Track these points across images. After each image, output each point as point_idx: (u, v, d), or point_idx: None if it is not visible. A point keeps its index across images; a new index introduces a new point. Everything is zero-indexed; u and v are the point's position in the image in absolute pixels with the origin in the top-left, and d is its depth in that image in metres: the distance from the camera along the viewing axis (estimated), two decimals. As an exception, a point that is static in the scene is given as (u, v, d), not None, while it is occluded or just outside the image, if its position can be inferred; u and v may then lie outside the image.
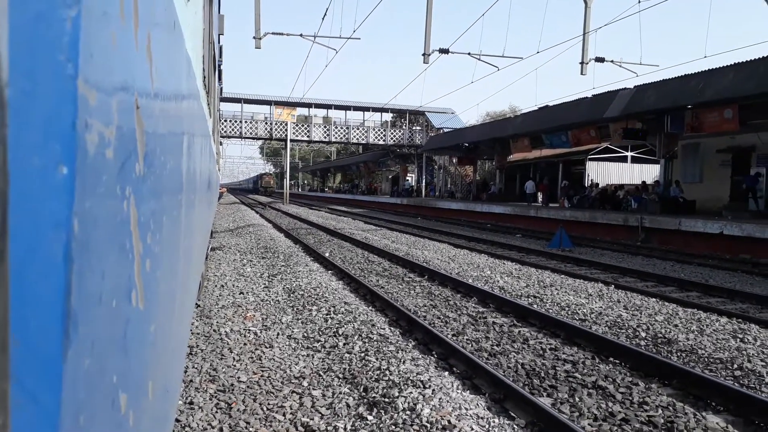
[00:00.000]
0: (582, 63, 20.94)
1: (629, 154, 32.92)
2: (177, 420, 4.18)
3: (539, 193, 30.91)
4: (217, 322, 7.00)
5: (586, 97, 23.71)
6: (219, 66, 10.39)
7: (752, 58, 16.53)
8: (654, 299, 8.83)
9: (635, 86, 20.96)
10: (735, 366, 5.64)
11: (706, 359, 5.88)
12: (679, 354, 6.09)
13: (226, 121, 43.23)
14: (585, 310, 7.90)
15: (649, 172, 31.97)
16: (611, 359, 5.86)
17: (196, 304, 7.63)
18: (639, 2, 19.91)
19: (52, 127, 0.47)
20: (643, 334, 6.75)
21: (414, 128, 48.86)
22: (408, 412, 4.25)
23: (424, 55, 19.88)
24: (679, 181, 22.28)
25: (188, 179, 2.06)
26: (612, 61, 22.37)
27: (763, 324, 7.31)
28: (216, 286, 9.48)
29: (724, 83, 16.87)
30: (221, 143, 40.31)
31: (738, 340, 6.54)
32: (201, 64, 3.13)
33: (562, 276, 11.01)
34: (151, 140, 0.97)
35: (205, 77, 3.85)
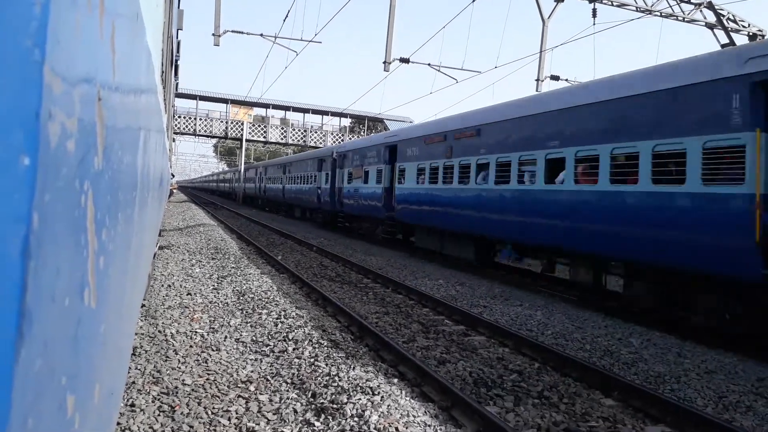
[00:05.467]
0: (538, 80, 21.38)
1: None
2: (117, 423, 4.04)
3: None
4: (162, 323, 6.82)
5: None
6: (176, 61, 10.18)
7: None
8: (598, 313, 9.07)
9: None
10: (673, 379, 5.85)
11: (646, 372, 6.07)
12: (620, 366, 6.27)
13: (180, 117, 42.30)
14: (533, 321, 8.06)
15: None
16: (557, 370, 5.98)
17: (142, 303, 7.42)
18: (594, 24, 20.58)
19: (15, 115, 0.45)
20: (588, 347, 6.93)
21: (372, 135, 48.95)
22: (356, 419, 4.23)
23: (384, 63, 19.94)
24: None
25: (143, 175, 2.00)
26: (566, 80, 22.94)
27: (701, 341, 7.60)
28: (163, 286, 9.24)
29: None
30: (174, 140, 39.43)
31: (676, 354, 6.79)
32: (160, 58, 3.05)
33: (512, 287, 11.20)
34: (111, 134, 0.93)
35: (162, 72, 3.77)
